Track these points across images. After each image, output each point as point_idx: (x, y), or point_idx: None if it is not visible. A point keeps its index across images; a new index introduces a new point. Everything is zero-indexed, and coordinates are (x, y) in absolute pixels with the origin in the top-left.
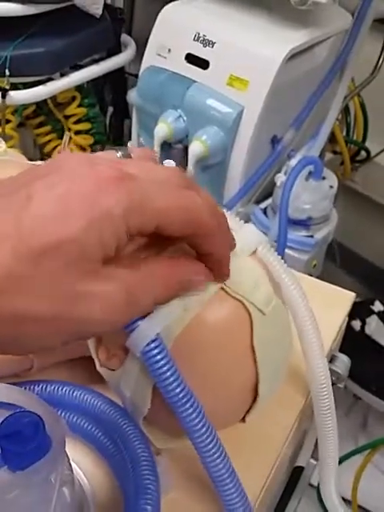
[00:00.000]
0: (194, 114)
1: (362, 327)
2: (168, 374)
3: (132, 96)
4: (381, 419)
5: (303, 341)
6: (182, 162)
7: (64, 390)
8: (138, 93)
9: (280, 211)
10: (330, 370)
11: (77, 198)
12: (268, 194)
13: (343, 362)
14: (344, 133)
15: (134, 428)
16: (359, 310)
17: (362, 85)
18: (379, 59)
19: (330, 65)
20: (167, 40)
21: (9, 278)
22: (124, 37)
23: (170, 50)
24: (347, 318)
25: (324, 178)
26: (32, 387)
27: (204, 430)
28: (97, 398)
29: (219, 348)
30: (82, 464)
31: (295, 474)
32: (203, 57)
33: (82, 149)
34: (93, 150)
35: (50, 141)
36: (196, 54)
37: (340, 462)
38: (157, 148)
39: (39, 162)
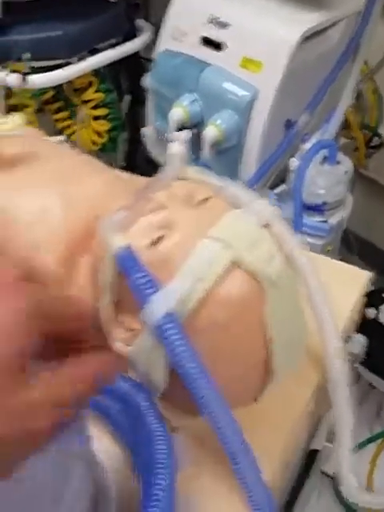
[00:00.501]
0: (209, 96)
1: (377, 315)
2: (181, 348)
3: (147, 80)
4: None
5: (315, 313)
6: (196, 146)
7: None
8: (154, 77)
9: (294, 195)
10: (346, 350)
11: None
12: (281, 180)
13: (359, 341)
14: (358, 119)
15: (150, 404)
16: (374, 298)
17: (376, 68)
18: None
19: (343, 47)
20: (182, 23)
21: None
22: (140, 21)
23: (185, 33)
24: (364, 300)
25: (338, 163)
26: None
27: (217, 404)
28: None
29: (232, 321)
30: (98, 439)
31: (310, 457)
32: (217, 39)
33: (99, 134)
34: (110, 136)
35: (68, 126)
36: (210, 37)
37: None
38: (173, 131)
39: (57, 138)
